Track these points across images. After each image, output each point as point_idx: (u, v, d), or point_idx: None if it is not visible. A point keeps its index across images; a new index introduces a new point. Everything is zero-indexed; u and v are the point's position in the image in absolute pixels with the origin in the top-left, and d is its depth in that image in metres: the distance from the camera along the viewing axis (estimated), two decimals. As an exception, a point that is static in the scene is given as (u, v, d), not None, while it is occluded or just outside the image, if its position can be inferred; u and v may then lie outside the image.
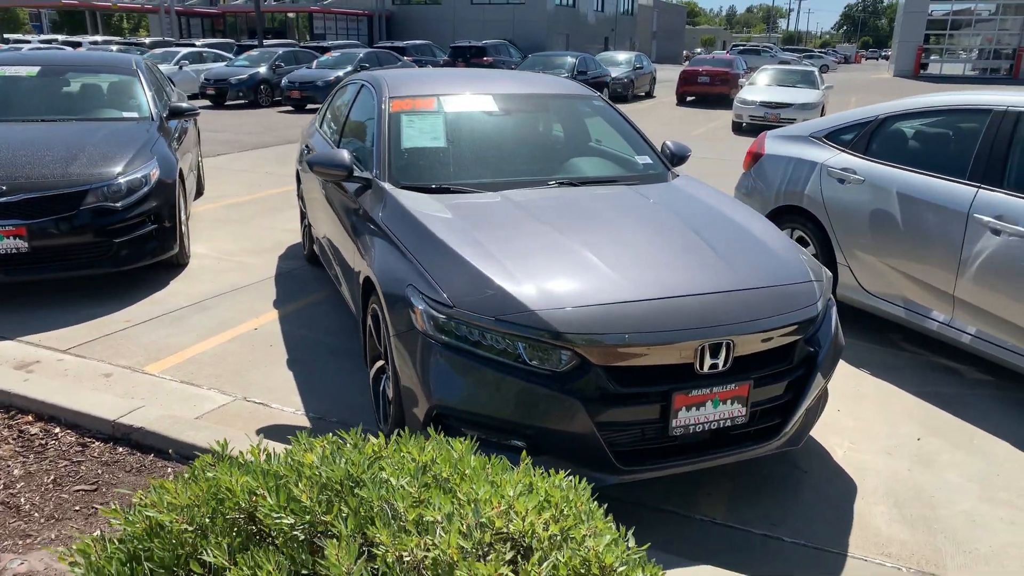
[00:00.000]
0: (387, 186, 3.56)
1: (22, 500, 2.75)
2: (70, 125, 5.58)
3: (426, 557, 1.32)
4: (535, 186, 3.65)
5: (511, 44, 29.79)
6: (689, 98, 23.40)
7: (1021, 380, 4.04)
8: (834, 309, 3.14)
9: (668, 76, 31.44)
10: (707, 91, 22.57)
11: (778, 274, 2.95)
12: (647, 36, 65.99)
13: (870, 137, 4.66)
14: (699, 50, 76.86)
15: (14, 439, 3.14)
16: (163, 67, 20.99)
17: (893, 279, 4.34)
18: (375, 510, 1.43)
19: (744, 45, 50.07)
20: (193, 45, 25.63)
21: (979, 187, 3.90)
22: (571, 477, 1.90)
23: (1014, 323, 3.66)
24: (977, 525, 2.86)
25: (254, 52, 21.43)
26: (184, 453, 2.98)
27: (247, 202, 8.11)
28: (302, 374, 3.99)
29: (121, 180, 4.97)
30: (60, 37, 31.75)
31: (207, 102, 19.55)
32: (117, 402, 3.33)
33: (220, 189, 8.78)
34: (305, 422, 3.50)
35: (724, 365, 2.64)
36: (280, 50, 21.06)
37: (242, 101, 19.17)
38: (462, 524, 1.40)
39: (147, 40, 31.99)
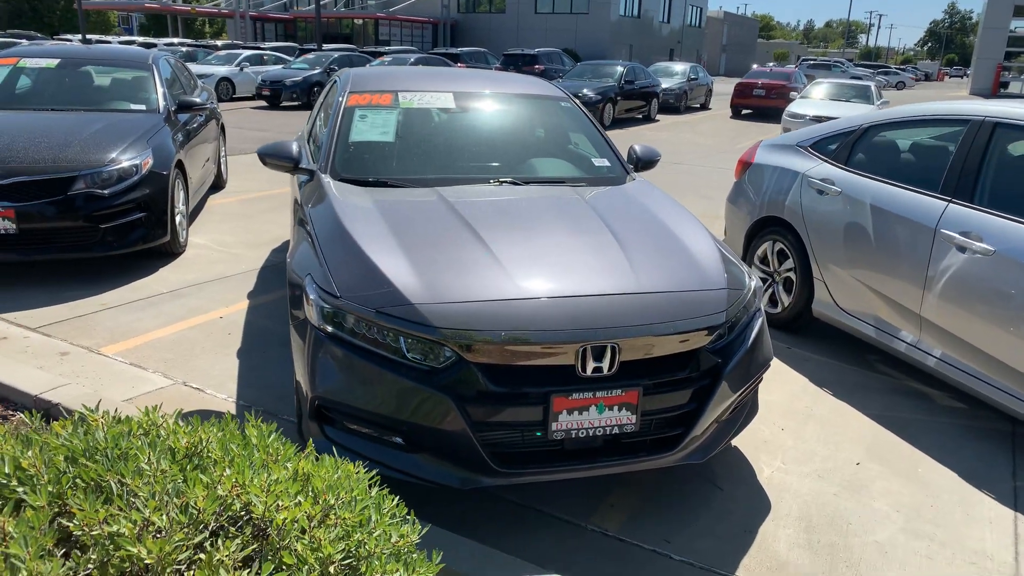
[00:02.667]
0: (325, 178, 3.58)
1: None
2: (75, 115, 5.82)
3: (112, 531, 1.30)
4: (477, 183, 3.61)
5: (565, 53, 29.81)
6: (744, 111, 22.91)
7: (995, 410, 3.77)
8: (759, 320, 2.99)
9: (730, 89, 30.87)
10: (762, 104, 22.04)
11: (685, 280, 2.83)
12: (716, 49, 65.03)
13: (852, 147, 4.45)
14: (771, 64, 75.17)
15: (-53, 407, 3.26)
16: (224, 68, 21.79)
17: (865, 296, 4.12)
18: (87, 484, 1.42)
19: (814, 60, 48.74)
20: (259, 48, 26.50)
21: (950, 201, 3.67)
22: (359, 465, 1.85)
23: (977, 347, 3.42)
24: (888, 557, 2.67)
25: (311, 55, 22.02)
26: (92, 429, 3.04)
27: (263, 198, 8.30)
28: (248, 363, 4.04)
29: (111, 168, 5.15)
30: (138, 39, 33.31)
31: (263, 103, 20.18)
32: (47, 378, 3.44)
33: (243, 184, 9.02)
34: (231, 408, 3.54)
35: (610, 369, 2.54)
36: (336, 54, 21.60)
37: (296, 103, 19.69)
38: (167, 500, 1.37)
39: (219, 43, 33.30)
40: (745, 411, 3.05)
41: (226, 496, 1.44)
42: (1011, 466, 3.31)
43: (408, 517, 1.83)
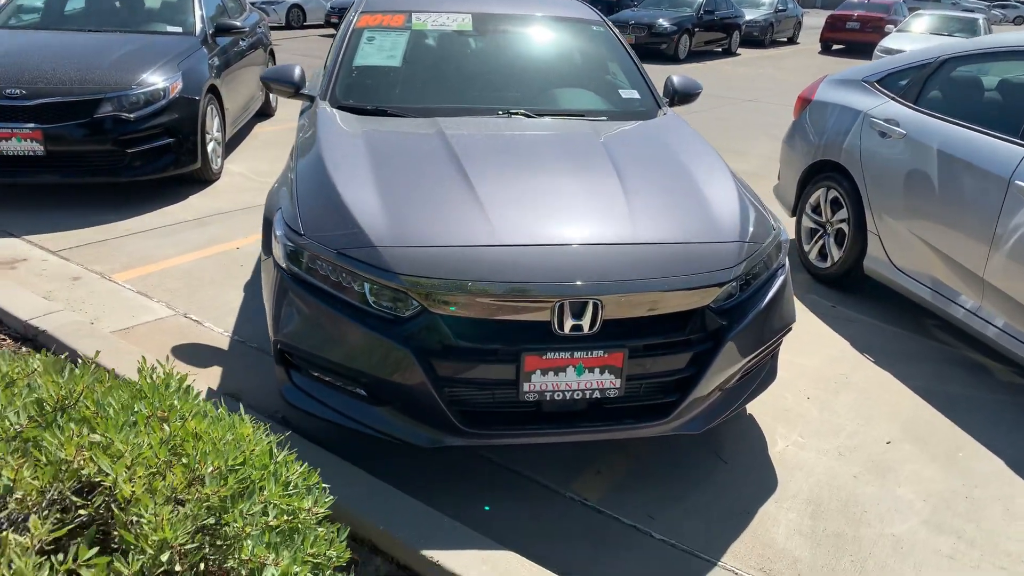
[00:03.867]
0: (322, 105, 3.34)
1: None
2: (109, 36, 5.73)
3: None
4: (486, 115, 3.30)
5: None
6: (836, 46, 21.30)
7: (1063, 389, 3.32)
8: (781, 277, 2.64)
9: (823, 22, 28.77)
10: (856, 38, 20.37)
11: (692, 231, 2.50)
12: (814, -22, 60.63)
13: (924, 83, 3.89)
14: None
15: (-54, 328, 3.27)
16: (296, -6, 21.56)
17: (923, 254, 3.65)
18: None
19: (923, -10, 44.83)
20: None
21: (1030, 147, 3.15)
22: (261, 425, 1.67)
23: (1044, 317, 2.97)
24: (902, 554, 2.35)
25: None
26: (72, 359, 2.98)
27: (308, 126, 8.14)
28: (252, 297, 3.93)
29: (137, 91, 5.05)
30: None
31: (333, 30, 19.92)
32: (42, 305, 3.40)
33: (293, 113, 8.87)
34: (224, 344, 3.44)
35: (591, 328, 2.27)
36: None
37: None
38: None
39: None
40: (759, 379, 2.73)
41: (71, 461, 1.27)
42: (1071, 457, 2.90)
43: (316, 487, 1.65)
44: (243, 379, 3.14)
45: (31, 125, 4.79)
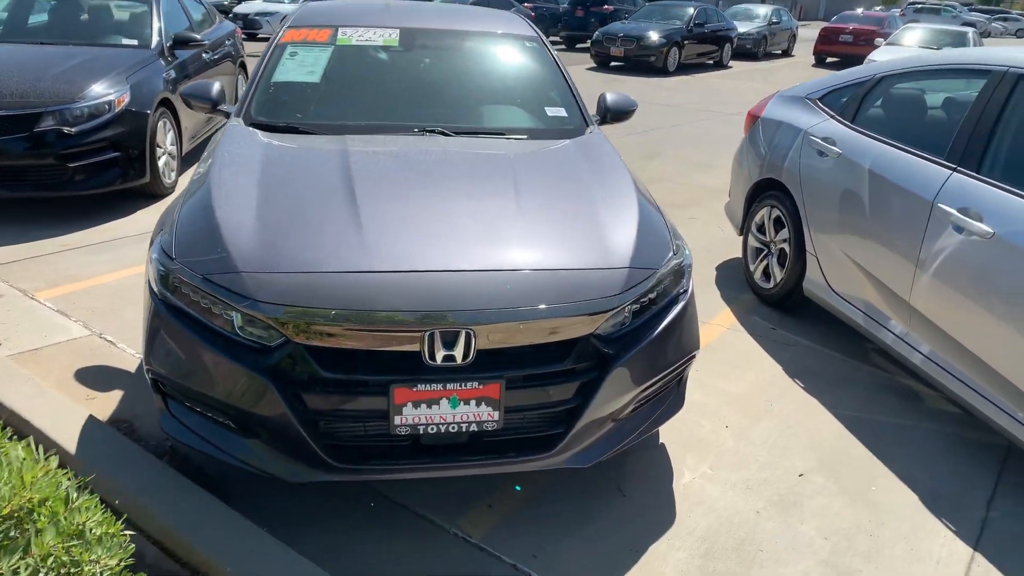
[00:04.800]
0: (234, 121, 3.27)
1: None
2: (61, 49, 5.67)
3: None
4: (401, 132, 3.22)
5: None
6: (829, 59, 21.28)
7: (994, 419, 3.20)
8: (681, 304, 2.54)
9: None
10: (849, 51, 20.33)
11: (578, 258, 2.40)
12: (816, -10, 60.68)
13: (861, 101, 3.81)
14: (878, 8, 69.58)
15: None
16: (291, 6, 21.62)
17: (856, 277, 3.55)
18: None
19: (923, 4, 44.85)
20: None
21: (954, 170, 3.05)
22: (50, 462, 1.58)
23: (967, 348, 2.86)
24: (792, 597, 2.24)
25: None
26: (-37, 383, 2.90)
27: (276, 139, 8.09)
28: (174, 315, 3.84)
29: (80, 104, 5.00)
30: None
31: None
32: (-56, 324, 3.32)
33: (264, 125, 8.82)
34: (134, 366, 3.35)
35: (465, 359, 2.18)
36: None
37: None
38: None
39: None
40: (659, 409, 2.63)
41: None
42: (990, 491, 2.78)
43: (112, 536, 1.55)
44: (146, 405, 3.04)
45: (-31, 138, 4.74)
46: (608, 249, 2.46)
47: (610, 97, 3.81)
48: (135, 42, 6.10)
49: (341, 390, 2.18)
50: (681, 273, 2.61)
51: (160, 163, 5.63)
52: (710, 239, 5.46)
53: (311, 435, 2.19)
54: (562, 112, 3.60)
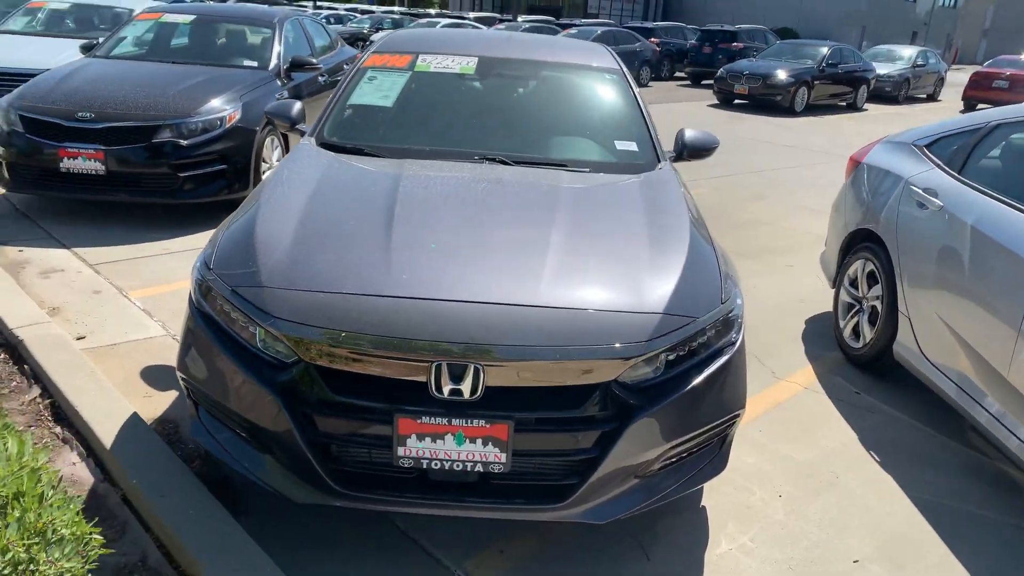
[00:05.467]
0: (305, 141, 3.37)
1: None
2: (187, 68, 6.12)
3: None
4: (462, 159, 3.20)
5: (784, 32, 27.42)
6: (981, 105, 19.74)
7: (1107, 524, 2.75)
8: (725, 358, 2.35)
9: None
10: (1003, 98, 18.67)
11: (608, 298, 2.26)
12: (975, 33, 56.88)
13: (972, 150, 3.44)
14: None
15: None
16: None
17: (951, 344, 3.18)
18: None
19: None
20: (462, 18, 27.19)
21: (1071, 232, 2.67)
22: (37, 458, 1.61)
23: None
24: None
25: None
26: (36, 373, 3.11)
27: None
28: (245, 323, 3.98)
29: (195, 119, 5.35)
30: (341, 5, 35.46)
31: None
32: (34, 313, 3.58)
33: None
34: (194, 368, 3.48)
35: (473, 394, 2.09)
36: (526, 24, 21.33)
37: None
38: None
39: (432, 11, 34.70)
40: (694, 470, 2.43)
41: None
42: (1087, 610, 2.37)
43: (73, 536, 1.57)
44: (196, 407, 3.15)
45: (95, 146, 5.16)
46: (642, 291, 2.31)
47: (688, 133, 3.64)
48: (255, 64, 6.49)
49: (348, 414, 2.15)
50: (729, 324, 2.42)
51: (263, 177, 5.92)
52: (805, 289, 5.10)
53: (317, 458, 2.17)
54: (633, 147, 3.47)
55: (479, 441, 2.12)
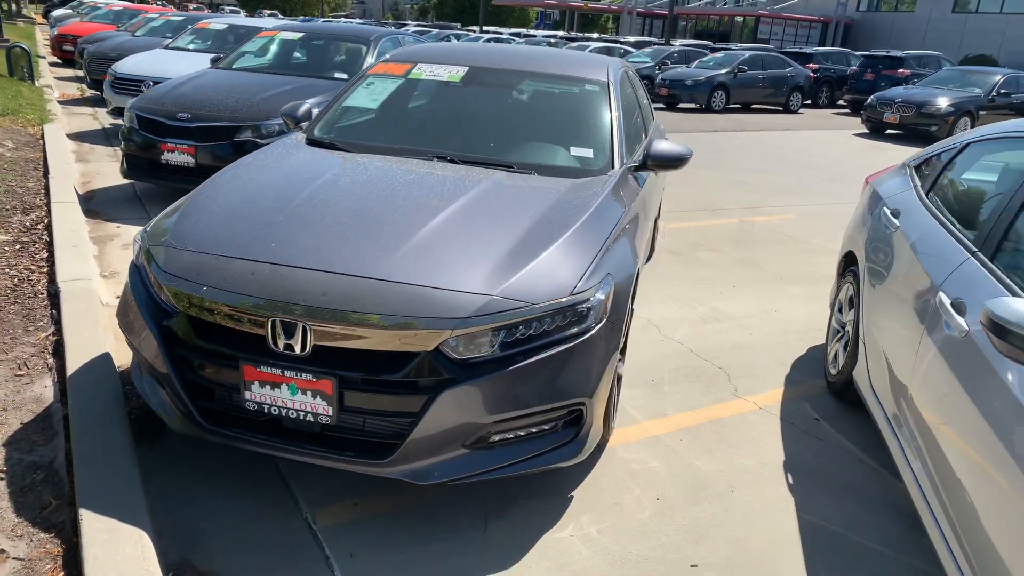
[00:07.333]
0: (293, 135, 3.82)
1: (-36, 313, 3.82)
2: (282, 78, 6.91)
3: None
4: (416, 156, 3.48)
5: (983, 61, 24.85)
6: None
7: None
8: (565, 346, 2.45)
9: None
10: None
11: (445, 278, 2.44)
12: None
13: (942, 169, 3.22)
14: None
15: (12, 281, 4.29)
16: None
17: (884, 371, 3.00)
18: None
19: None
20: (617, 41, 27.47)
21: (973, 253, 2.49)
22: None
23: (948, 460, 2.30)
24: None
25: (719, 55, 20.55)
26: (58, 317, 3.75)
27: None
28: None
29: (273, 121, 6.06)
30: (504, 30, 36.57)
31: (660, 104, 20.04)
32: (86, 273, 4.28)
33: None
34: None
35: (303, 350, 2.36)
36: (746, 53, 19.88)
37: (694, 105, 18.58)
38: None
39: (559, 33, 35.25)
40: (531, 452, 2.53)
41: None
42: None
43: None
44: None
45: (189, 142, 6.00)
46: (482, 275, 2.47)
47: (656, 145, 3.70)
48: (345, 75, 7.16)
49: (208, 359, 2.50)
50: (580, 315, 2.51)
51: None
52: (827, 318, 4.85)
53: (189, 395, 2.54)
54: (588, 153, 3.59)
55: (308, 393, 2.39)
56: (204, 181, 3.29)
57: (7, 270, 4.34)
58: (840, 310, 3.89)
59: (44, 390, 3.11)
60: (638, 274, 3.18)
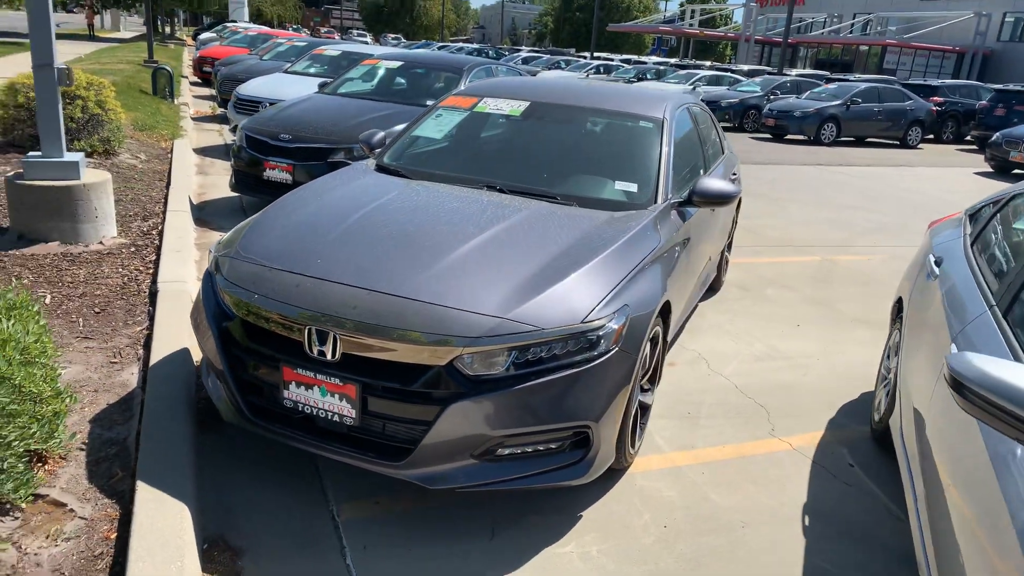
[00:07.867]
0: (365, 162, 4.16)
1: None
2: (377, 104, 7.39)
3: None
4: (469, 185, 3.74)
5: None
6: None
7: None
8: (573, 370, 2.62)
9: None
10: None
11: (463, 300, 2.65)
12: None
13: (989, 220, 3.15)
14: None
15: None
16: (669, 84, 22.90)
17: (911, 419, 2.96)
18: None
19: None
20: (729, 70, 27.10)
21: (991, 307, 2.46)
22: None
23: (948, 518, 2.29)
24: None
25: (831, 86, 19.96)
26: (152, 314, 4.23)
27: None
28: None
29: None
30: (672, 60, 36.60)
31: (766, 134, 19.46)
32: (184, 276, 4.78)
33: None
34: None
35: (333, 356, 2.64)
36: (862, 85, 19.31)
37: (803, 137, 18.21)
38: None
39: (671, 61, 34.85)
40: (538, 468, 2.70)
41: None
42: None
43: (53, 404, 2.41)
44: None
45: (288, 160, 6.54)
46: (498, 298, 2.67)
47: (702, 182, 3.79)
48: (429, 101, 7.57)
49: (256, 359, 2.82)
50: (590, 342, 2.67)
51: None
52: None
53: (239, 390, 2.87)
54: (633, 187, 3.73)
55: (336, 396, 2.66)
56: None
57: (120, 270, 4.92)
58: (888, 356, 3.82)
59: (131, 377, 3.54)
60: (667, 306, 3.28)
